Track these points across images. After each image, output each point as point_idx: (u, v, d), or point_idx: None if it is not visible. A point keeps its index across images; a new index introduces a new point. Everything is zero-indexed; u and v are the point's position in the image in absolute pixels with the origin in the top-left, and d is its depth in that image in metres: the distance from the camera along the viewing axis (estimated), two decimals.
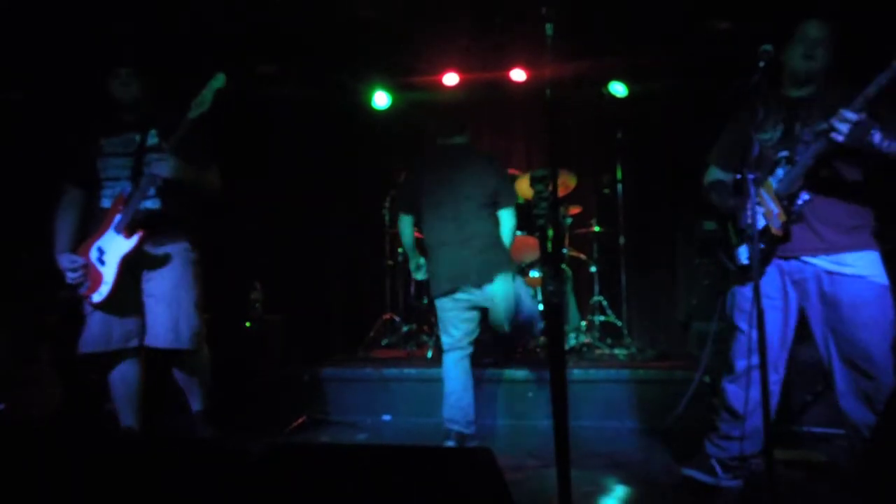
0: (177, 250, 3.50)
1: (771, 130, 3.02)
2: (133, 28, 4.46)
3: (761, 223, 2.94)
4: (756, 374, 2.86)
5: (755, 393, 2.93)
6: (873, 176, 2.90)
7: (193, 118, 3.34)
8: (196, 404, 3.66)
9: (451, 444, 3.87)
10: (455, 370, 4.02)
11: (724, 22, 5.23)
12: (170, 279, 3.46)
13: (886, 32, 3.27)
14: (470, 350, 4.10)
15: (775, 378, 3.02)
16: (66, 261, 3.43)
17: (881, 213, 2.95)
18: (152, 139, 3.49)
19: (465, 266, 3.93)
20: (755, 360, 2.76)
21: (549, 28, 2.25)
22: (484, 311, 4.07)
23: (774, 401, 3.03)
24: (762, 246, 2.93)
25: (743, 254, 3.01)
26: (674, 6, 5.05)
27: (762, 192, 2.94)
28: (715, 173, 3.29)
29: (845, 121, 2.63)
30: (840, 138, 2.65)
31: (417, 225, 4.24)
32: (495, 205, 4.04)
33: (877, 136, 2.64)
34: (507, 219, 4.06)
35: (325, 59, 5.93)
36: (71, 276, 3.42)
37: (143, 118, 3.54)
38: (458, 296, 3.97)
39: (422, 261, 4.33)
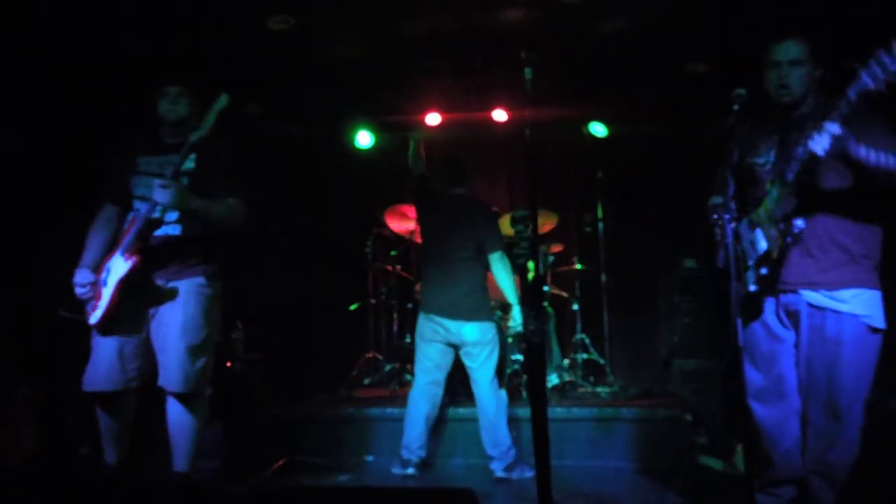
0: (190, 286, 3.34)
1: (765, 154, 2.93)
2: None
3: (763, 246, 2.82)
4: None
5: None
6: (873, 200, 2.80)
7: (194, 141, 3.22)
8: (181, 463, 3.32)
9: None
10: None
11: (702, 65, 5.35)
12: (181, 319, 3.28)
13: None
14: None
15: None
16: (79, 275, 3.33)
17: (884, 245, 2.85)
18: (189, 163, 3.34)
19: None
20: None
21: (527, 72, 2.31)
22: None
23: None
24: (764, 272, 2.81)
25: (750, 278, 2.86)
26: (652, 49, 5.15)
27: (762, 212, 2.83)
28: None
29: (826, 132, 2.54)
30: (819, 150, 2.56)
31: None
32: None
33: (861, 150, 2.57)
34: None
35: (309, 99, 5.98)
36: (79, 291, 3.32)
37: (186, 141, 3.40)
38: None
39: None
